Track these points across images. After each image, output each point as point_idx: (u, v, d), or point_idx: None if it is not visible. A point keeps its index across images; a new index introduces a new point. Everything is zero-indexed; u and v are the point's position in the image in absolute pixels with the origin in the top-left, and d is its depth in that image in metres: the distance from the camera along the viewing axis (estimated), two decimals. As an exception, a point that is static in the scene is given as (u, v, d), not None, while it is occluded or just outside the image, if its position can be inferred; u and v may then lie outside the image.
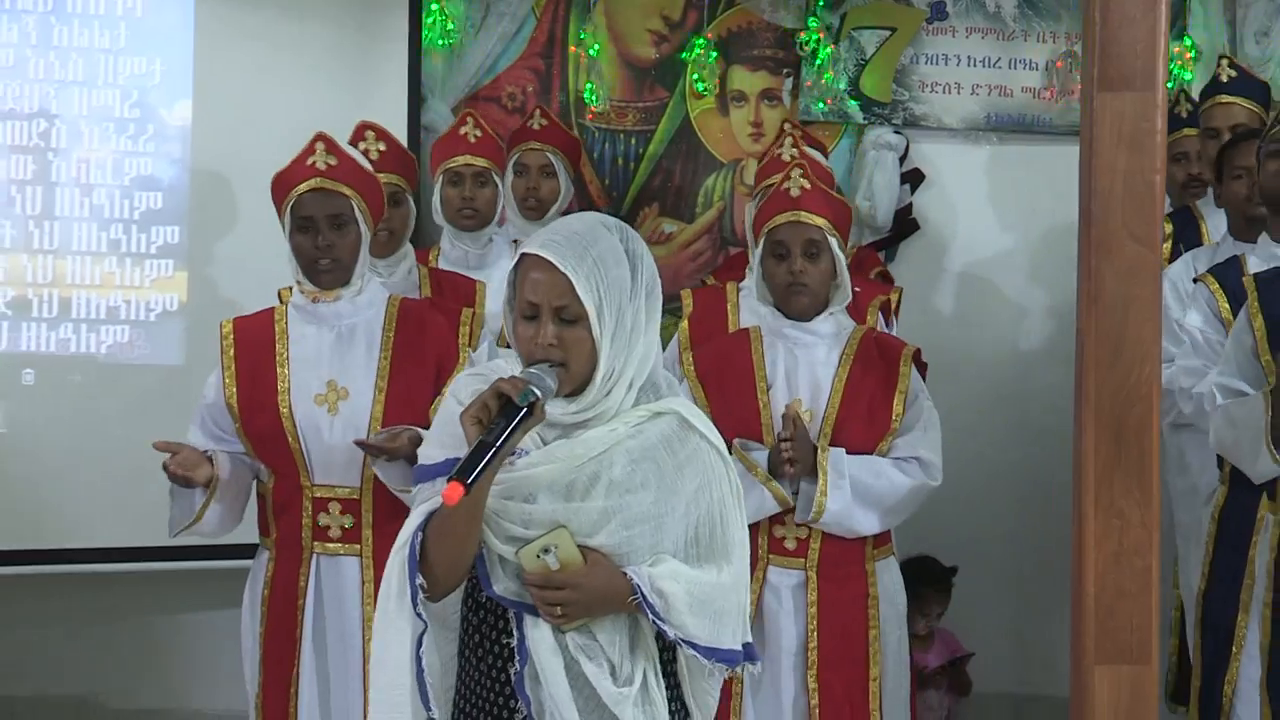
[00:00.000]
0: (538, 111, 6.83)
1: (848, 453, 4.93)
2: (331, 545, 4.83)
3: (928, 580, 6.60)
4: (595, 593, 3.31)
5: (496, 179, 6.33)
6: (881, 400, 5.00)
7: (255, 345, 4.88)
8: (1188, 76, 7.35)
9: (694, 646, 3.39)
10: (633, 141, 7.52)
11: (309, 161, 4.85)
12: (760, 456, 4.92)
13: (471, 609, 3.45)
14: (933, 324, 7.24)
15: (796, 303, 5.01)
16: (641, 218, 7.51)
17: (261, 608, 4.94)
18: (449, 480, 3.09)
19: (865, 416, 4.96)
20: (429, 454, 3.44)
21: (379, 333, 4.87)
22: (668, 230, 7.53)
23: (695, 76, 7.49)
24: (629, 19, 7.52)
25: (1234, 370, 4.88)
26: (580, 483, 3.34)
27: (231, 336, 4.92)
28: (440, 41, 7.31)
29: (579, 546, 3.31)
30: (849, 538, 5.00)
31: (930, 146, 7.57)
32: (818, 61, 7.44)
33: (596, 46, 7.46)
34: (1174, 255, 6.26)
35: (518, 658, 3.34)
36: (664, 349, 6.31)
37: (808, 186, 5.03)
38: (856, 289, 5.30)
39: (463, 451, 3.24)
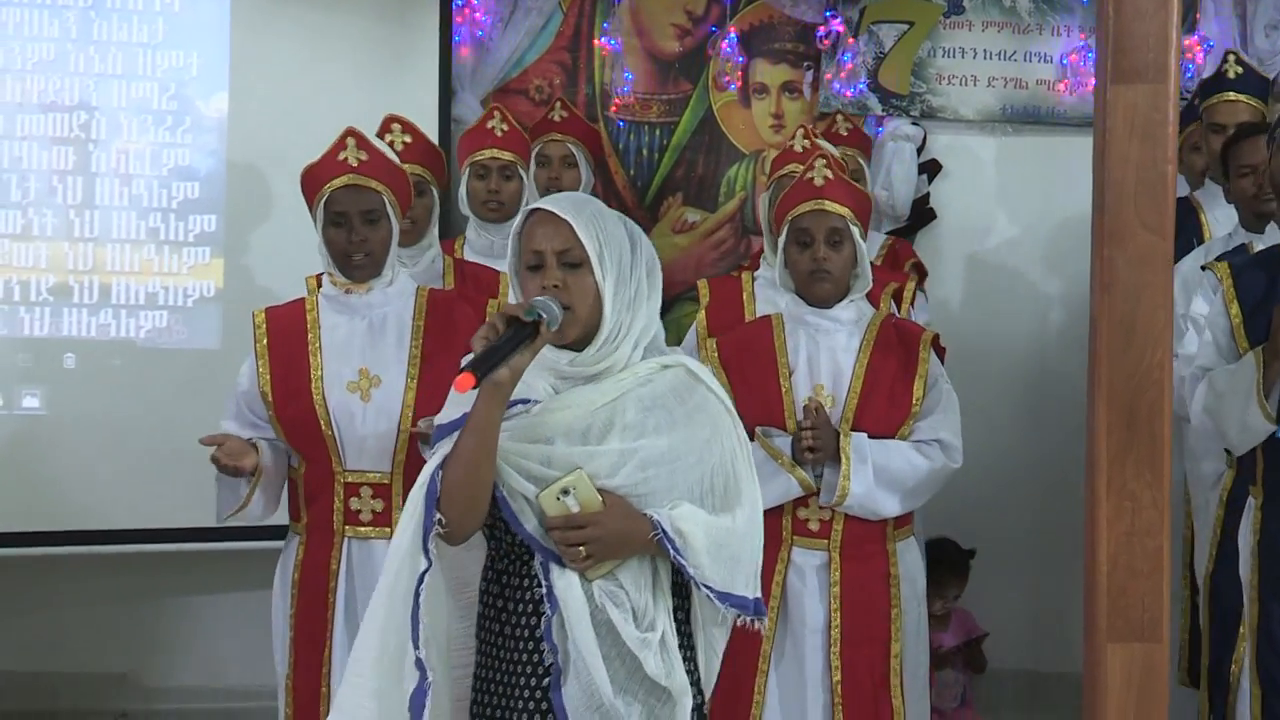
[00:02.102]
0: (558, 104, 6.91)
1: (869, 436, 4.93)
2: (363, 529, 4.83)
3: (946, 562, 6.60)
4: (616, 532, 3.37)
5: (522, 172, 6.34)
6: (902, 385, 5.00)
7: (288, 335, 4.88)
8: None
9: (710, 589, 3.43)
10: (657, 133, 7.54)
11: (340, 157, 4.84)
12: (783, 443, 4.91)
13: (496, 561, 3.49)
14: (948, 310, 7.25)
15: (820, 290, 5.00)
16: (665, 207, 7.53)
17: (292, 590, 4.94)
18: (460, 372, 3.16)
19: (886, 401, 4.96)
20: (446, 414, 3.47)
21: (409, 322, 4.87)
22: (691, 219, 7.54)
23: (718, 69, 7.50)
24: (653, 13, 7.54)
25: (1213, 354, 4.87)
26: (596, 427, 3.40)
27: (264, 326, 4.91)
28: (470, 35, 7.31)
29: (598, 490, 3.36)
30: (871, 519, 5.00)
31: (947, 137, 7.58)
32: (837, 55, 7.44)
33: (620, 40, 7.48)
34: (1176, 244, 6.25)
35: (547, 605, 3.37)
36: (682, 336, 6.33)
37: (830, 176, 5.03)
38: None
39: None
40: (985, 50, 7.52)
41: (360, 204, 4.80)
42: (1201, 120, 6.54)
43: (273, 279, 6.72)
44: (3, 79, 6.67)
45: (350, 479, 4.82)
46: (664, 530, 3.37)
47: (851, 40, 7.45)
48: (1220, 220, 6.31)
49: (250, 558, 6.79)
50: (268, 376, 4.84)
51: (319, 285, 5.11)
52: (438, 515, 3.30)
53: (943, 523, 6.52)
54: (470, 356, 3.25)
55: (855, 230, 5.03)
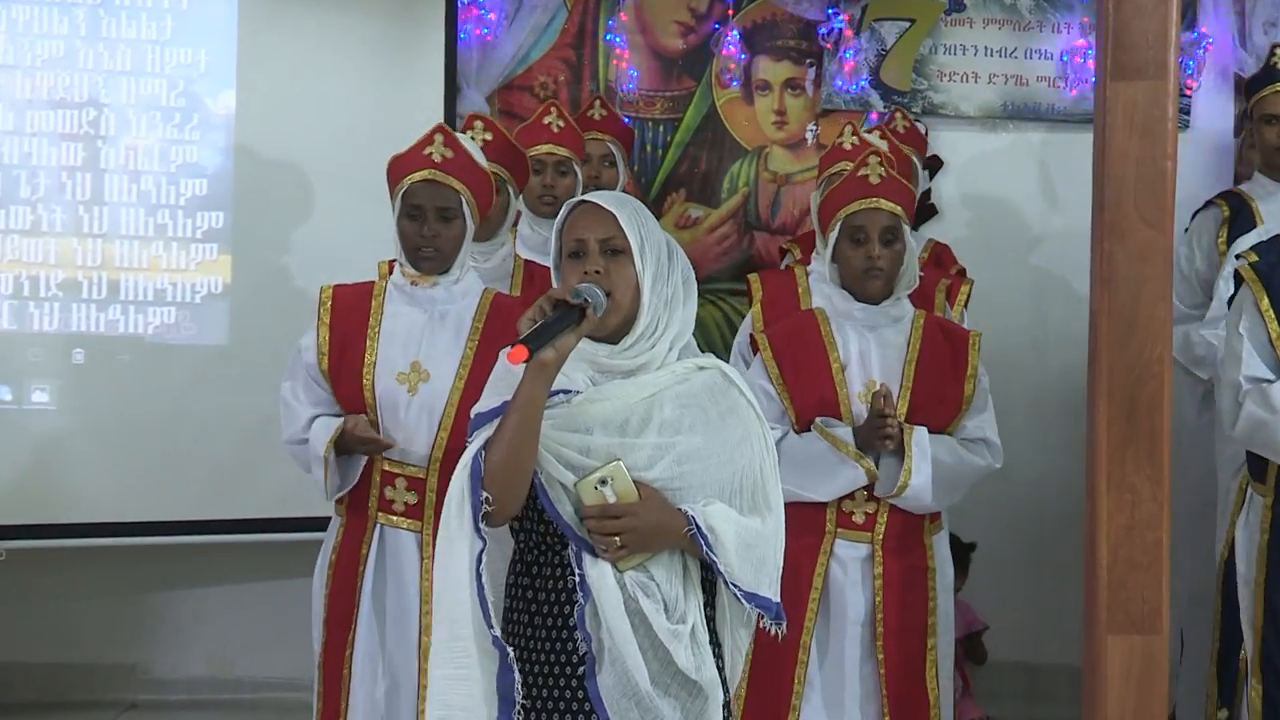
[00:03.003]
0: (598, 102, 6.87)
1: None
2: (395, 518, 4.85)
3: (946, 555, 6.59)
4: (651, 524, 3.39)
5: (576, 168, 6.28)
6: (951, 382, 5.02)
7: (350, 314, 4.91)
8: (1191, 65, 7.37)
9: (738, 588, 3.45)
10: (661, 129, 7.55)
11: (425, 151, 4.87)
12: (844, 433, 4.91)
13: (525, 553, 3.51)
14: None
15: (872, 287, 5.01)
16: (669, 203, 7.54)
17: (328, 571, 4.96)
18: (513, 346, 3.23)
19: (936, 398, 4.97)
20: (484, 403, 3.50)
21: (469, 322, 4.88)
22: (694, 215, 7.55)
23: (721, 66, 7.50)
24: (657, 11, 7.56)
25: (1257, 362, 4.81)
26: (634, 421, 3.44)
27: (330, 303, 4.92)
28: (475, 33, 7.32)
29: (634, 482, 3.39)
30: (913, 513, 5.01)
31: (948, 134, 7.59)
32: (840, 52, 7.45)
33: (624, 37, 7.49)
34: (1231, 236, 6.25)
35: (580, 594, 3.39)
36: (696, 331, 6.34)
37: (885, 174, 5.04)
38: (921, 274, 5.31)
39: None
40: (986, 47, 7.54)
41: (436, 200, 4.84)
42: (1251, 115, 6.52)
43: (280, 275, 6.77)
44: (12, 75, 6.68)
45: (388, 468, 4.84)
46: (697, 526, 3.40)
47: (852, 35, 7.46)
48: (1275, 214, 6.31)
49: (260, 550, 6.84)
50: (325, 353, 4.87)
51: (390, 271, 5.13)
52: (484, 494, 3.33)
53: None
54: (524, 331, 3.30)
55: (906, 228, 5.06)
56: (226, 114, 6.89)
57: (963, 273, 6.62)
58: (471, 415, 3.53)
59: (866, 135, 6.08)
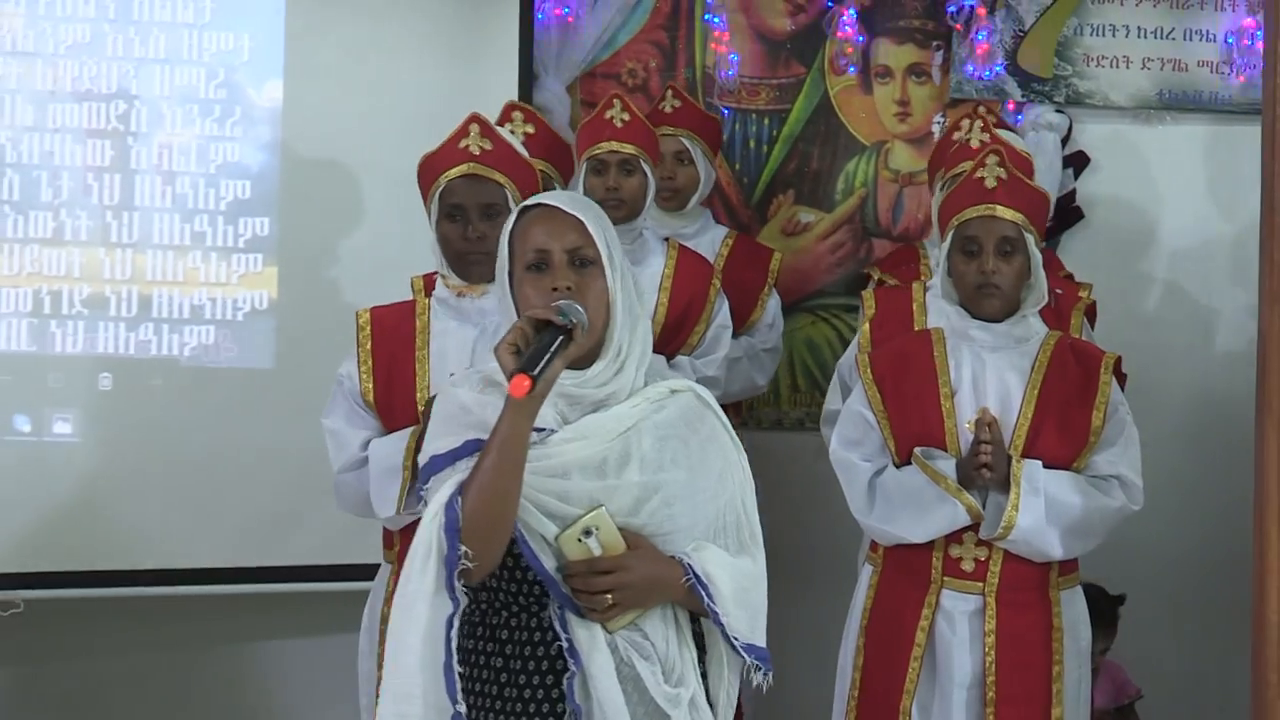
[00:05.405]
0: (669, 92, 6.84)
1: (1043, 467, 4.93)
2: None
3: (1092, 611, 6.54)
4: (646, 577, 3.39)
5: (645, 167, 6.19)
6: (1079, 412, 5.00)
7: (393, 339, 4.93)
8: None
9: (737, 640, 3.46)
10: (766, 122, 7.55)
11: (461, 144, 4.92)
12: (946, 465, 4.91)
13: (493, 610, 3.50)
14: (1100, 324, 7.22)
15: (988, 304, 5.01)
16: (775, 206, 7.55)
17: (382, 625, 4.92)
18: (513, 375, 3.19)
19: (1060, 429, 4.94)
20: (437, 445, 3.48)
21: None
22: (805, 220, 7.55)
23: (835, 50, 7.51)
24: (762, -13, 7.57)
25: None
26: (612, 460, 3.42)
27: (368, 328, 4.96)
28: (554, 13, 7.34)
29: (619, 529, 3.38)
30: (1034, 561, 4.99)
31: (1096, 127, 7.57)
32: (971, 33, 7.44)
33: (724, 17, 7.49)
34: None
35: (570, 662, 3.37)
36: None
37: (1004, 177, 5.02)
38: (1057, 290, 5.28)
39: (481, 434, 3.37)
40: (1139, 28, 7.52)
41: (479, 196, 4.87)
42: None
43: (333, 289, 6.80)
44: (33, 64, 6.71)
45: None
46: (696, 575, 3.40)
47: (985, 14, 7.45)
48: None
49: (310, 601, 6.84)
50: (370, 384, 4.89)
51: (424, 286, 5.16)
52: (462, 548, 3.30)
53: (1087, 565, 6.49)
54: (509, 361, 3.27)
55: (1029, 238, 5.02)
56: (273, 107, 6.91)
57: (1070, 279, 6.60)
58: (421, 460, 3.52)
59: (998, 130, 6.07)
